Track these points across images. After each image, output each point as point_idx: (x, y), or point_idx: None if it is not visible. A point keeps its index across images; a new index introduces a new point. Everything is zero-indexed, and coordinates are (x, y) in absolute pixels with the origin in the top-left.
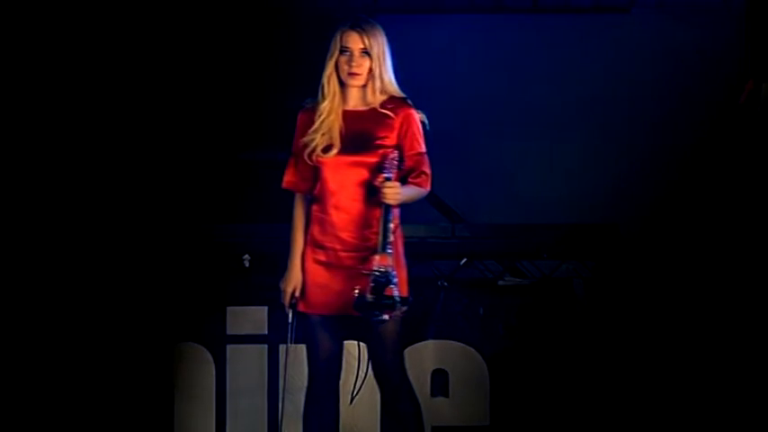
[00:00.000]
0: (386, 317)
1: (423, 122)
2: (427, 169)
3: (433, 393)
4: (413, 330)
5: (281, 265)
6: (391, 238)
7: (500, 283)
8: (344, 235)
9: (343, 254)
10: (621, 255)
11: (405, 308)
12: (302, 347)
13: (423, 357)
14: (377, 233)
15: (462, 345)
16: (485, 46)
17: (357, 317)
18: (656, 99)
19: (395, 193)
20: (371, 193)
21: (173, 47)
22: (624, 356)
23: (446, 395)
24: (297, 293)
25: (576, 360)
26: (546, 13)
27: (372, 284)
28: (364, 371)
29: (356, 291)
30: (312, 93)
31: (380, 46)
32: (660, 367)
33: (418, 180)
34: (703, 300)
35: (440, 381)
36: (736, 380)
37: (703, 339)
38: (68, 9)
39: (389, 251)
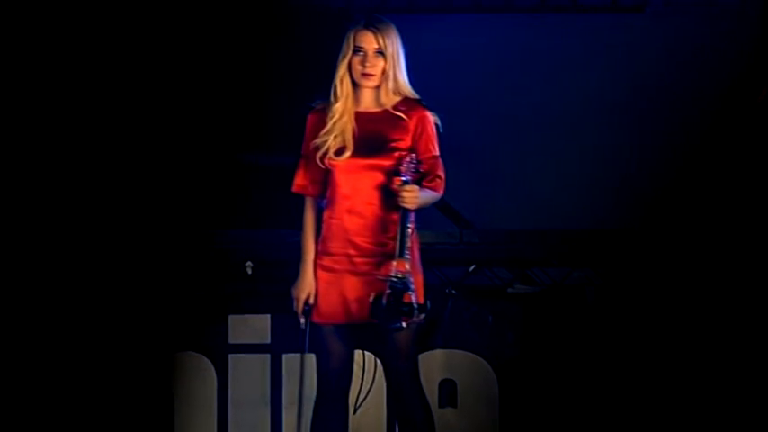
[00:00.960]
0: (403, 324)
1: (436, 125)
2: (441, 173)
3: (441, 404)
4: (420, 339)
5: (282, 272)
6: (409, 243)
7: (510, 290)
8: (359, 240)
9: (357, 260)
10: (634, 261)
11: (422, 315)
12: (309, 357)
13: (430, 367)
14: (394, 238)
15: (471, 354)
16: (493, 47)
17: (370, 325)
18: (670, 101)
19: (414, 196)
20: (387, 196)
21: (172, 47)
22: (637, 367)
23: (454, 405)
24: (310, 300)
25: (587, 370)
26: (556, 12)
27: (389, 291)
28: (370, 380)
29: (371, 298)
30: (314, 94)
31: (395, 46)
32: (674, 377)
33: (433, 184)
34: (719, 307)
35: (448, 391)
36: (749, 385)
37: (719, 350)
38: (67, 8)
39: (407, 256)
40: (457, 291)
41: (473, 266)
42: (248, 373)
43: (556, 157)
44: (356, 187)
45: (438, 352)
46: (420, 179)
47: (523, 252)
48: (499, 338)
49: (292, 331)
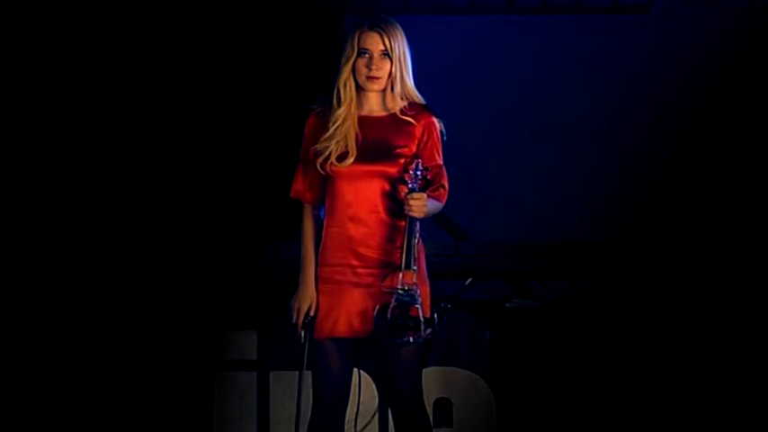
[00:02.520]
0: (410, 339)
1: (441, 132)
2: (446, 182)
3: (436, 423)
4: (424, 356)
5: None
6: (415, 254)
7: (508, 305)
8: (363, 250)
9: (361, 270)
10: (636, 272)
11: (429, 330)
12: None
13: (424, 385)
14: (399, 248)
15: (467, 371)
16: (491, 50)
17: (373, 340)
18: (677, 108)
19: (421, 204)
20: (392, 204)
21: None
22: (641, 384)
23: (449, 425)
24: (311, 312)
25: (589, 389)
26: (557, 14)
27: (396, 304)
28: (375, 404)
29: (375, 311)
30: (314, 97)
31: (401, 47)
32: (677, 393)
33: (437, 194)
34: (724, 321)
35: (443, 410)
36: (757, 402)
37: (725, 365)
38: (77, 14)
39: (414, 268)
40: (452, 305)
41: (469, 279)
42: (235, 390)
43: (557, 165)
44: (360, 194)
45: (433, 369)
46: (425, 186)
47: (522, 264)
48: (497, 355)
49: (281, 347)
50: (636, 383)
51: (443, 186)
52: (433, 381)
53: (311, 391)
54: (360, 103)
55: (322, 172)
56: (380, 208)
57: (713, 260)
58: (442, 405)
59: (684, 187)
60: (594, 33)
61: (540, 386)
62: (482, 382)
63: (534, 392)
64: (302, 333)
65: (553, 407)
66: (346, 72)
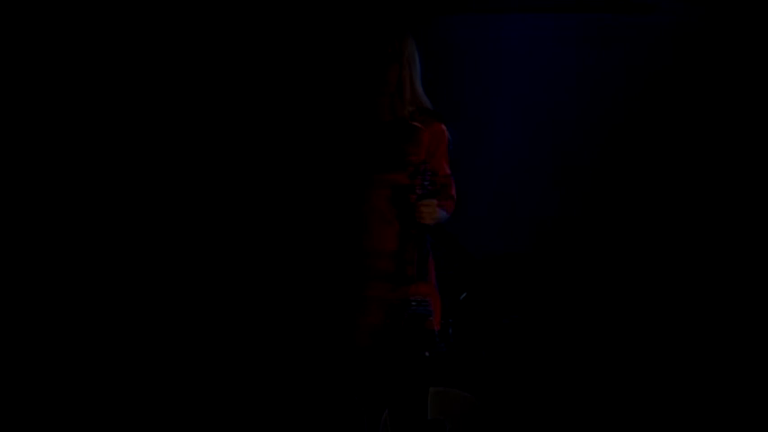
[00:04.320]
0: (426, 353)
1: (449, 140)
2: (454, 193)
3: None
4: (431, 373)
5: None
6: (427, 264)
7: (505, 321)
8: (374, 261)
9: (373, 283)
10: (636, 281)
11: (443, 343)
12: None
13: None
14: (410, 258)
15: (462, 392)
16: (488, 50)
17: (379, 354)
18: (679, 112)
19: (432, 211)
20: (402, 213)
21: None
22: (645, 400)
23: None
24: None
25: (589, 407)
26: (554, 13)
27: (408, 316)
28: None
29: (387, 324)
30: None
31: (411, 50)
32: (682, 407)
33: (444, 203)
34: (725, 329)
35: None
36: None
37: (730, 377)
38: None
39: (427, 279)
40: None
41: (464, 294)
42: None
43: (556, 170)
44: (368, 203)
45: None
46: (434, 193)
47: (520, 278)
48: (493, 374)
49: None
50: (638, 400)
51: (452, 197)
52: None
53: None
54: (367, 108)
55: (327, 178)
56: (390, 217)
57: (714, 267)
58: (437, 427)
59: (688, 189)
60: (594, 34)
61: (539, 406)
62: (478, 402)
63: (532, 412)
64: None
65: (551, 427)
66: (355, 75)
